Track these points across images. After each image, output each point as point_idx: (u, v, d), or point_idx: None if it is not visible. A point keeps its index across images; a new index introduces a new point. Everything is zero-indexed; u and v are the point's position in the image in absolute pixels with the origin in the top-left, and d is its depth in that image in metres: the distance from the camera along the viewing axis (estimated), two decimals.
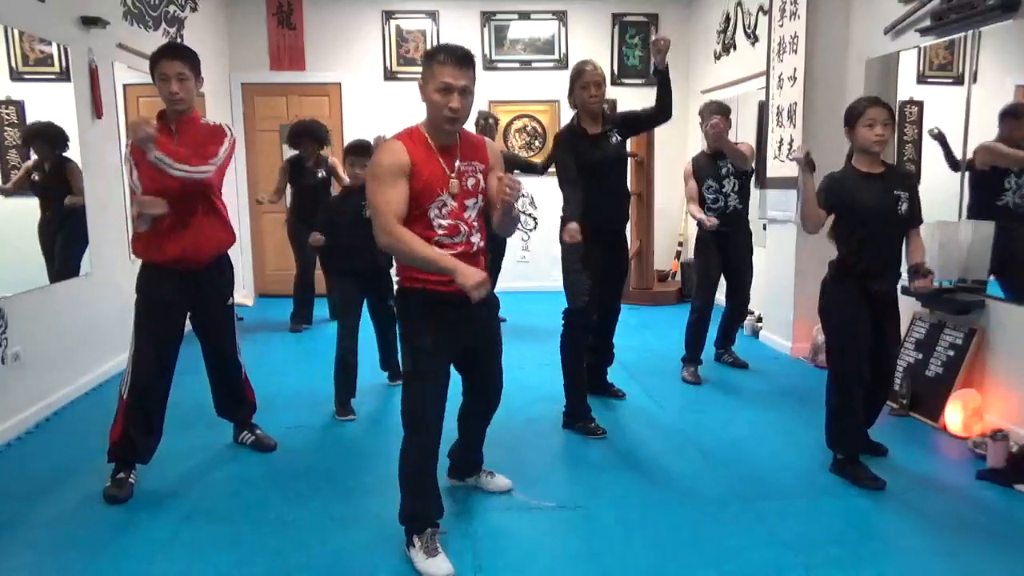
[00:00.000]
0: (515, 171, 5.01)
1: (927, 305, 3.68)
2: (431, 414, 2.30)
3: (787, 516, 2.60)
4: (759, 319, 5.31)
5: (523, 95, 7.05)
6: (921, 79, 4.00)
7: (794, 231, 4.68)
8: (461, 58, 2.16)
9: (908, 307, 3.52)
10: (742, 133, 5.53)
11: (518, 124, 7.12)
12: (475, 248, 2.31)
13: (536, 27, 7.05)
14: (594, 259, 3.36)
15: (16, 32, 3.59)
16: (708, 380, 4.24)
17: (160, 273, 2.78)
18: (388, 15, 6.89)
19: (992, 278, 3.43)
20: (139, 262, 2.85)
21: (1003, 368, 3.33)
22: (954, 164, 3.62)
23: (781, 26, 4.78)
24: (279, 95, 6.90)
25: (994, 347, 3.39)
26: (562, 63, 6.95)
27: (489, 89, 6.67)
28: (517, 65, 7.06)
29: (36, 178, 3.75)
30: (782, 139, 4.76)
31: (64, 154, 3.93)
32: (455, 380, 2.43)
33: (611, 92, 6.30)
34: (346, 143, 4.25)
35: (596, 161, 3.37)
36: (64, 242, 4.01)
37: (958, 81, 3.64)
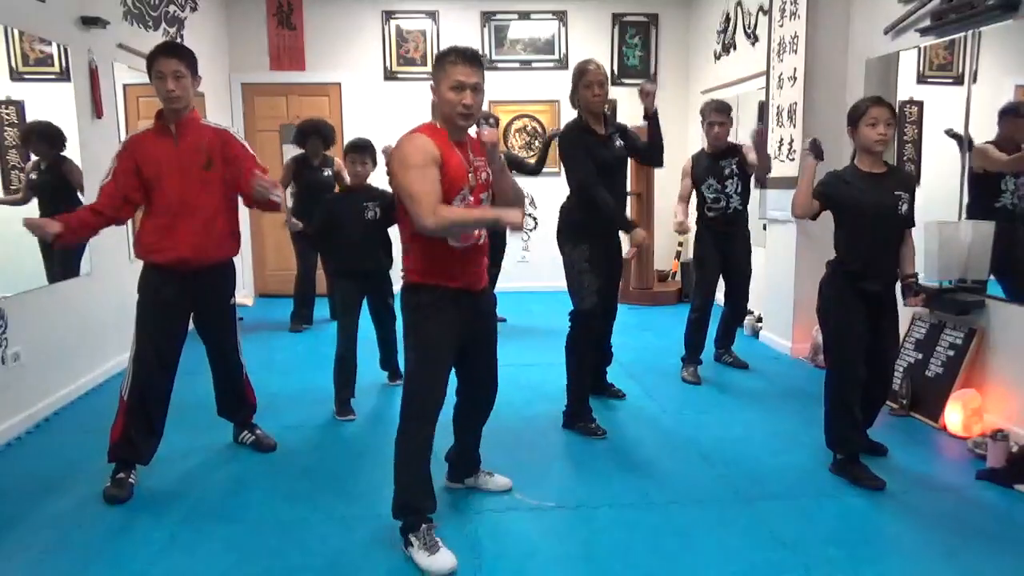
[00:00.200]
0: (513, 171, 4.99)
1: (927, 305, 3.68)
2: (435, 405, 2.35)
3: (787, 516, 2.60)
4: (759, 319, 5.31)
5: (523, 95, 7.05)
6: (921, 79, 4.00)
7: (794, 231, 4.69)
8: (471, 57, 2.30)
9: (908, 307, 3.52)
10: (742, 133, 5.52)
11: (518, 124, 7.12)
12: (483, 240, 2.41)
13: (536, 27, 7.05)
14: (600, 259, 3.38)
15: (16, 32, 3.59)
16: (708, 380, 4.24)
17: (161, 274, 2.78)
18: (388, 15, 6.89)
19: (992, 278, 3.44)
20: (139, 262, 2.85)
21: (1003, 368, 3.33)
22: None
23: (781, 26, 4.78)
24: (279, 95, 6.90)
25: (994, 347, 3.39)
26: (562, 63, 6.95)
27: (489, 89, 6.54)
28: (517, 65, 7.06)
29: (33, 177, 3.75)
30: (782, 139, 4.75)
31: (62, 153, 3.93)
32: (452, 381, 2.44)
33: (611, 92, 6.28)
34: (346, 143, 4.25)
35: (606, 161, 3.37)
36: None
37: (958, 81, 3.64)
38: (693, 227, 4.40)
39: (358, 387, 3.74)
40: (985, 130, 3.46)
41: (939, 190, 3.68)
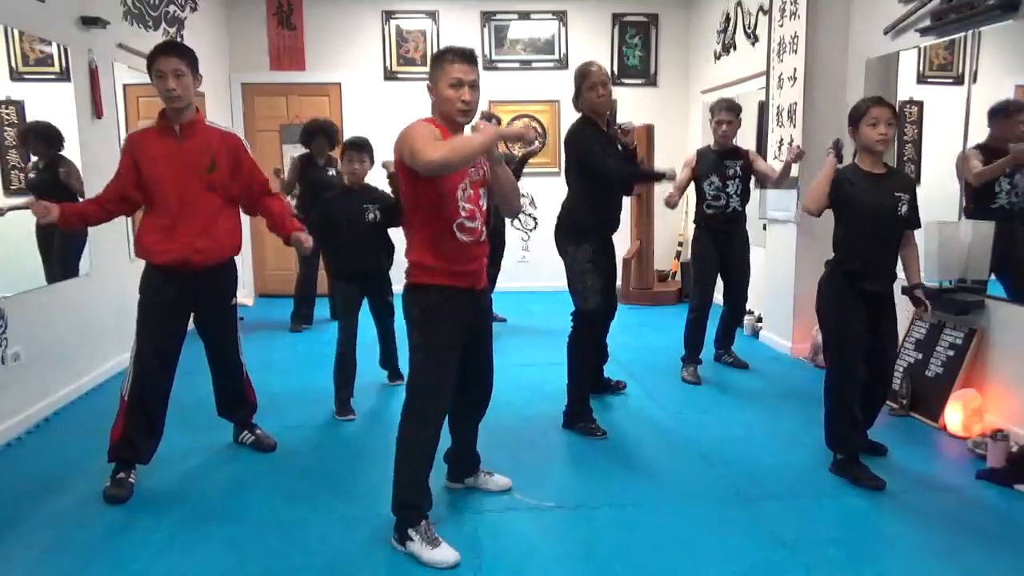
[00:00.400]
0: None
1: (927, 315, 3.68)
2: (440, 406, 2.38)
3: (787, 516, 2.60)
4: (759, 319, 5.31)
5: (523, 95, 7.04)
6: (921, 79, 4.00)
7: (794, 231, 4.69)
8: (468, 56, 2.33)
9: (908, 307, 3.52)
10: (742, 133, 5.51)
11: (518, 124, 7.12)
12: (483, 236, 2.42)
13: (536, 27, 7.05)
14: (601, 259, 3.39)
15: (16, 32, 3.59)
16: (708, 380, 4.24)
17: (162, 274, 2.78)
18: (388, 15, 6.89)
19: (992, 277, 3.44)
20: (139, 262, 2.86)
21: (1003, 368, 3.33)
22: None
23: (781, 26, 4.78)
24: (279, 95, 6.90)
25: (994, 347, 3.39)
26: (562, 63, 6.95)
27: (489, 89, 6.63)
28: (517, 65, 7.06)
29: (32, 176, 3.75)
30: (782, 139, 4.76)
31: (60, 153, 3.93)
32: None
33: (612, 92, 6.30)
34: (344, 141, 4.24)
35: (614, 159, 3.37)
36: (63, 242, 4.01)
37: (958, 81, 3.64)
38: (691, 226, 4.40)
39: (358, 387, 3.74)
40: (985, 130, 3.46)
41: (939, 190, 3.68)
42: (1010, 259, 3.38)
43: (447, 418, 2.50)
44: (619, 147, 3.42)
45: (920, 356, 3.72)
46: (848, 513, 2.64)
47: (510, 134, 2.46)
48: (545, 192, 6.92)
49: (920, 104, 4.07)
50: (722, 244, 4.25)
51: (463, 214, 2.32)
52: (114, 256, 4.40)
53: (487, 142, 2.23)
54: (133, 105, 4.82)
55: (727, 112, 4.16)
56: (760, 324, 5.28)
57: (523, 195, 6.95)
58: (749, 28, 5.71)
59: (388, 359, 4.11)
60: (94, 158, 4.15)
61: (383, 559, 2.33)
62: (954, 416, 3.35)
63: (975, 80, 3.51)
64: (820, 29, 4.47)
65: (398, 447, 2.38)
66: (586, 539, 2.49)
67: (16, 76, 3.63)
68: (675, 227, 7.18)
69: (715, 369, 4.49)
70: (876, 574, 2.25)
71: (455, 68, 2.29)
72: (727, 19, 6.14)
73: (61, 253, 3.98)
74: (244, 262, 6.83)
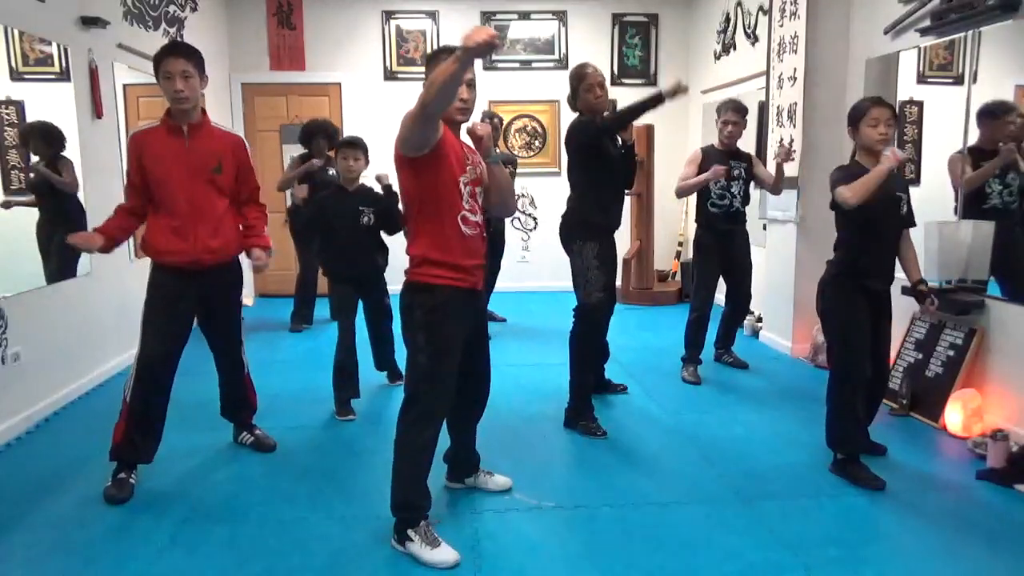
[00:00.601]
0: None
1: (940, 309, 3.67)
2: (442, 407, 2.39)
3: (787, 516, 2.61)
4: (759, 319, 5.31)
5: (523, 95, 7.04)
6: (921, 79, 4.00)
7: (794, 231, 4.69)
8: None
9: (908, 307, 3.52)
10: (743, 133, 5.51)
11: (518, 124, 7.12)
12: (483, 232, 2.43)
13: (536, 27, 7.05)
14: (606, 257, 3.40)
15: (16, 32, 3.59)
16: (708, 380, 4.24)
17: (170, 273, 2.79)
18: (388, 15, 6.89)
19: (991, 277, 3.44)
20: (139, 261, 2.86)
21: (1003, 368, 3.33)
22: None
23: (781, 26, 4.78)
24: (279, 95, 6.90)
25: (994, 347, 3.39)
26: (562, 63, 6.95)
27: (489, 89, 6.67)
28: (517, 65, 7.06)
29: (32, 176, 3.75)
30: (782, 139, 4.75)
31: (61, 153, 3.92)
32: None
33: (611, 92, 6.29)
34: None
35: (614, 157, 3.41)
36: (62, 241, 4.00)
37: (958, 81, 3.64)
38: (693, 228, 4.40)
39: (365, 384, 3.75)
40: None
41: (939, 190, 3.68)
42: (1005, 260, 3.38)
43: (447, 417, 2.50)
44: (617, 142, 3.44)
45: (920, 356, 3.72)
46: (848, 513, 2.64)
47: (474, 43, 1.94)
48: (545, 192, 6.93)
49: (920, 104, 4.07)
50: (725, 243, 4.25)
51: (466, 207, 2.32)
52: (114, 256, 4.36)
53: (458, 65, 1.99)
54: (133, 105, 4.82)
55: (734, 113, 4.17)
56: (760, 324, 5.28)
57: (523, 195, 6.97)
58: (749, 28, 5.71)
59: (384, 360, 4.06)
60: (94, 158, 4.15)
61: (383, 559, 2.33)
62: (954, 416, 3.35)
63: (975, 80, 3.51)
64: (820, 29, 4.47)
65: (397, 448, 2.38)
66: (586, 539, 2.49)
67: (16, 76, 3.63)
68: (675, 227, 7.19)
69: (715, 369, 4.49)
70: (876, 574, 2.25)
71: None
72: (727, 19, 6.14)
73: (61, 253, 3.98)
74: (244, 262, 6.82)
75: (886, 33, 4.05)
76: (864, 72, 4.29)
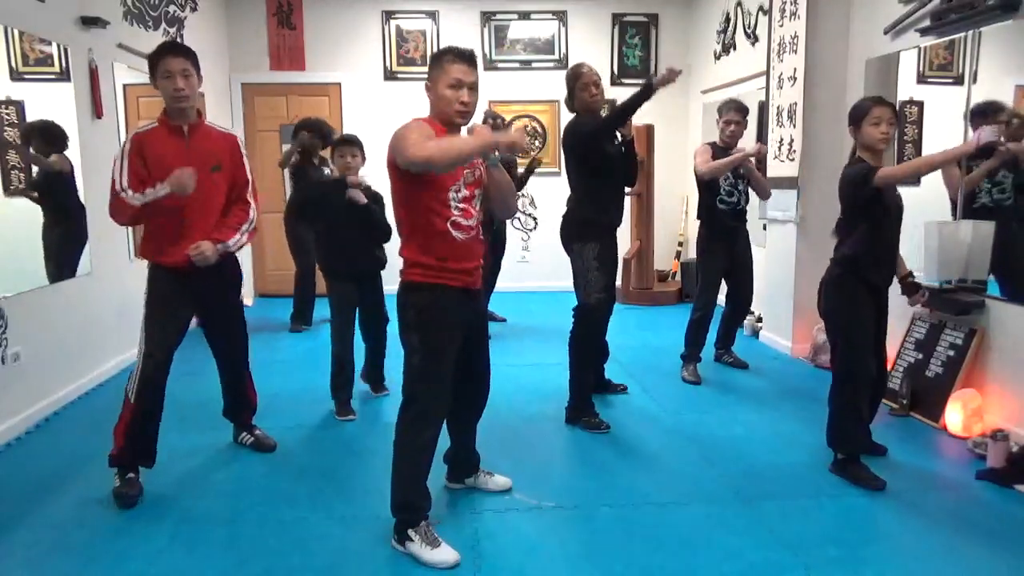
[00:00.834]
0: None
1: (927, 305, 3.68)
2: (440, 408, 2.39)
3: (787, 516, 2.60)
4: (759, 319, 5.31)
5: (523, 95, 7.04)
6: (921, 79, 4.00)
7: (794, 231, 4.69)
8: (469, 57, 2.32)
9: (908, 307, 3.52)
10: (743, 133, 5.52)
11: (518, 124, 7.11)
12: (479, 235, 2.41)
13: (536, 27, 7.05)
14: (606, 258, 3.41)
15: (16, 32, 3.59)
16: (708, 380, 4.24)
17: (170, 272, 2.78)
18: (388, 15, 6.89)
19: (991, 277, 3.44)
20: (139, 261, 2.86)
21: (1003, 368, 3.33)
22: None
23: (781, 26, 4.78)
24: (279, 95, 6.90)
25: (994, 347, 3.39)
26: (562, 63, 6.94)
27: (489, 89, 6.66)
28: (517, 65, 7.06)
29: (32, 166, 3.75)
30: (782, 139, 4.76)
31: (63, 152, 3.92)
32: None
33: (611, 92, 6.30)
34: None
35: (614, 156, 3.42)
36: (62, 241, 4.01)
37: (958, 81, 3.64)
38: (694, 228, 4.40)
39: (357, 388, 3.74)
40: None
41: (938, 190, 3.68)
42: (1003, 258, 3.38)
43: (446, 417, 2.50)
44: (616, 139, 3.45)
45: (920, 356, 3.72)
46: (848, 513, 2.64)
47: (503, 142, 2.24)
48: (545, 192, 6.92)
49: (920, 104, 4.07)
50: (728, 241, 4.25)
51: (455, 213, 2.30)
52: (114, 256, 4.40)
53: (476, 149, 2.17)
54: (133, 105, 4.82)
55: (735, 112, 4.18)
56: (760, 324, 5.28)
57: (522, 195, 6.96)
58: (749, 28, 5.71)
59: (375, 367, 3.91)
60: (94, 158, 4.15)
61: (383, 559, 2.33)
62: (954, 416, 3.35)
63: (975, 80, 3.51)
64: (820, 29, 4.47)
65: (397, 449, 2.38)
66: (586, 539, 2.49)
67: (16, 76, 3.63)
68: (675, 227, 7.19)
69: (715, 369, 4.49)
70: (876, 574, 2.25)
71: (455, 68, 2.28)
72: (727, 19, 6.14)
73: (61, 252, 3.98)
74: (244, 262, 6.82)
75: (886, 33, 4.05)
76: (864, 72, 4.29)
